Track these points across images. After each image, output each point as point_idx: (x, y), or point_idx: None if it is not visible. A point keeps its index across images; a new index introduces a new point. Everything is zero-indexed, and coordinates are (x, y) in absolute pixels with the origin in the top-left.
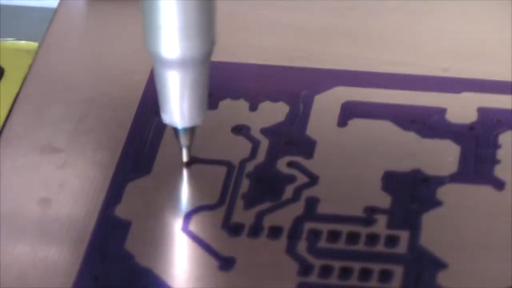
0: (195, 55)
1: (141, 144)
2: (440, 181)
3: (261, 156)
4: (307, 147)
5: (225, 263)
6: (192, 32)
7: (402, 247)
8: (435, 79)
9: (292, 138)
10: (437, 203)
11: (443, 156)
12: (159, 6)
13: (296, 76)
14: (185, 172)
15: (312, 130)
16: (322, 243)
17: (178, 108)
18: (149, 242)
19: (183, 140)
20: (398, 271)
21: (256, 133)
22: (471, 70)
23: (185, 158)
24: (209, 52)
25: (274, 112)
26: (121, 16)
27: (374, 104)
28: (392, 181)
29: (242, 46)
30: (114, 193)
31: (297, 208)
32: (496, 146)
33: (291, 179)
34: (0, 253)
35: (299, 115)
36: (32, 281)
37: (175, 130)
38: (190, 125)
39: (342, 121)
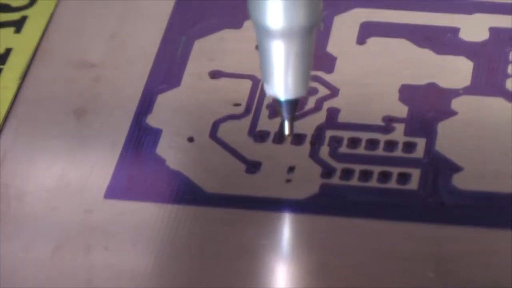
0: (302, 25)
1: (171, 59)
2: (454, 93)
3: None
4: (328, 63)
5: (251, 166)
6: (299, 1)
7: (419, 152)
8: (448, 1)
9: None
10: (452, 113)
11: (457, 70)
12: None
13: None
14: (212, 85)
15: (333, 47)
16: (343, 149)
17: (282, 79)
18: (179, 147)
19: (286, 112)
20: (415, 173)
21: None
22: None
23: (287, 131)
24: (316, 21)
25: None
26: None
27: (391, 24)
28: (409, 93)
29: None
30: (146, 103)
31: (319, 118)
32: (507, 61)
33: (313, 91)
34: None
35: (320, 34)
36: (71, 181)
37: (278, 102)
38: (294, 97)
39: (361, 39)
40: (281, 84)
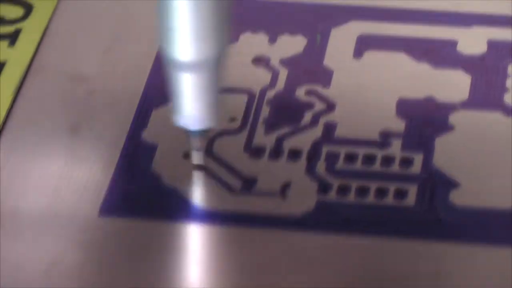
0: (209, 58)
1: (166, 73)
2: (452, 107)
3: (280, 85)
4: (325, 77)
5: (247, 182)
6: (206, 34)
7: (416, 168)
8: (446, 14)
9: (310, 68)
10: (449, 128)
11: (454, 84)
12: (172, 7)
13: (314, 11)
14: None
15: (329, 60)
16: (340, 164)
17: (191, 110)
18: (175, 164)
19: (196, 142)
20: (412, 189)
21: (275, 63)
22: (481, 5)
23: (196, 161)
24: (223, 53)
25: (292, 44)
26: None
27: (388, 37)
28: (406, 107)
29: None
30: (141, 118)
31: (316, 133)
32: (505, 75)
33: (310, 105)
34: (32, 173)
35: (316, 47)
36: (65, 198)
37: (187, 132)
38: (202, 127)
39: (358, 53)
40: (190, 115)
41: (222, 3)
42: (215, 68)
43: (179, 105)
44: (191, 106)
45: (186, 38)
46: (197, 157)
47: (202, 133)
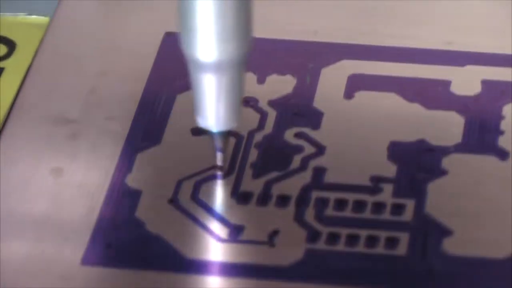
0: (232, 58)
1: (151, 115)
2: (445, 150)
3: (269, 127)
4: (314, 118)
5: (234, 230)
6: (229, 34)
7: (408, 215)
8: (439, 53)
9: (299, 109)
10: (442, 172)
11: (447, 126)
12: (195, 8)
13: (303, 50)
14: (194, 143)
15: (319, 102)
16: (330, 211)
17: (213, 111)
18: (160, 210)
19: (218, 143)
20: (404, 238)
21: (264, 105)
22: (474, 43)
23: (219, 162)
24: (246, 54)
25: (281, 84)
26: None
27: (379, 77)
28: (398, 151)
29: None
30: (125, 163)
31: (305, 177)
32: (500, 117)
33: (299, 149)
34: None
35: (306, 88)
36: (46, 244)
37: (210, 134)
38: (225, 129)
39: (349, 93)
40: (212, 116)
41: (245, 3)
42: (238, 68)
43: (201, 106)
44: (213, 108)
45: (209, 38)
46: (219, 159)
47: (225, 134)
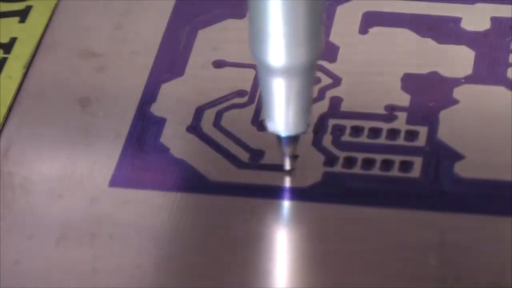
0: (302, 63)
1: (174, 49)
2: (456, 81)
3: None
4: (331, 52)
5: (255, 154)
6: (300, 39)
7: (421, 141)
8: None
9: None
10: (454, 102)
11: (458, 60)
12: (265, 13)
13: None
14: (216, 75)
15: (335, 36)
16: (346, 137)
17: (283, 116)
18: (183, 136)
19: (287, 148)
20: (417, 162)
21: None
22: None
23: (287, 166)
24: (316, 58)
25: None
26: None
27: (393, 14)
28: (411, 82)
29: None
30: (149, 93)
31: (322, 107)
32: (508, 51)
33: (316, 80)
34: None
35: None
36: (76, 169)
37: (279, 138)
38: (294, 133)
39: (363, 29)
40: (282, 120)
41: (317, 8)
42: (308, 73)
43: (270, 111)
44: (282, 112)
45: (280, 43)
46: (287, 163)
47: (293, 139)
